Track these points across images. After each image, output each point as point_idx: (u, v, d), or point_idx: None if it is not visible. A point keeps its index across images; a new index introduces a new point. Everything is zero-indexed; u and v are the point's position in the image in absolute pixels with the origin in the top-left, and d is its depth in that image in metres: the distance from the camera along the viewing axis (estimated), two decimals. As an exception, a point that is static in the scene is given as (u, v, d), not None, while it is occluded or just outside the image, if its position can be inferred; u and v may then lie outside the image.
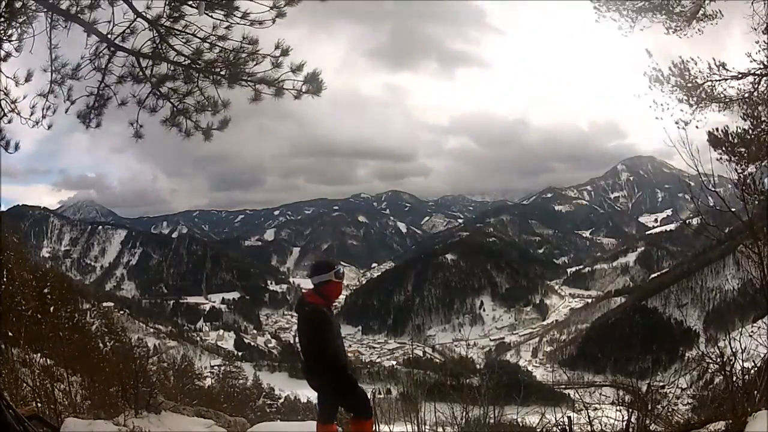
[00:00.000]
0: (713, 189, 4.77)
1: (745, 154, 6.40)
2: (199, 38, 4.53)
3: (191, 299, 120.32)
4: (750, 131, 6.50)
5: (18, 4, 4.45)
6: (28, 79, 4.70)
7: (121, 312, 77.51)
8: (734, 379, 4.07)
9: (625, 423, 4.46)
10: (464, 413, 5.28)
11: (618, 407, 4.76)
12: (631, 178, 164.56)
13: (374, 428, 4.68)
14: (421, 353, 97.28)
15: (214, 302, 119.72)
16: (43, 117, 4.75)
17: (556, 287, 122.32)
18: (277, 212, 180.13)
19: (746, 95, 6.57)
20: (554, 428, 5.06)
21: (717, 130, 6.61)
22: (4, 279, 9.19)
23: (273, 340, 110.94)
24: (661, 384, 5.31)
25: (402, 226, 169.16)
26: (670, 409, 4.86)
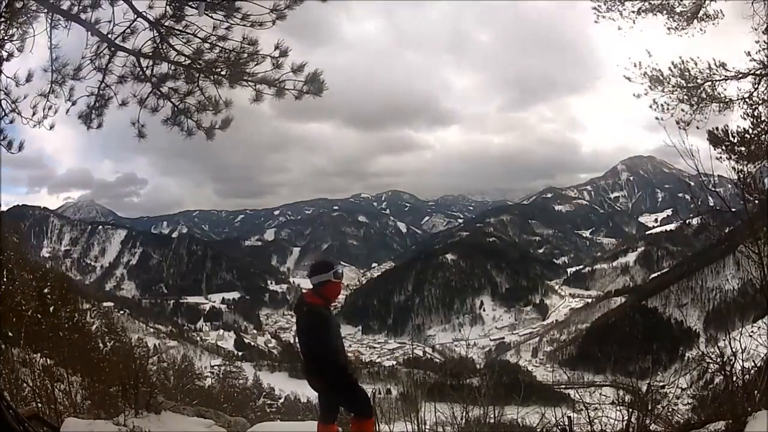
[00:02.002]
0: (713, 189, 4.78)
1: (745, 153, 6.41)
2: (199, 38, 4.55)
3: (191, 299, 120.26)
4: (750, 131, 6.51)
5: (19, 5, 4.45)
6: (28, 80, 4.71)
7: (121, 312, 77.53)
8: (734, 379, 4.08)
9: (625, 423, 4.46)
10: (464, 413, 5.27)
11: (618, 407, 4.76)
12: (631, 178, 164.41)
13: (375, 428, 4.67)
14: (421, 353, 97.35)
15: (214, 302, 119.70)
16: (44, 117, 4.76)
17: (556, 287, 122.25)
18: (277, 212, 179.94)
19: (746, 95, 6.58)
20: (554, 428, 5.06)
21: (717, 129, 6.62)
22: (4, 279, 9.18)
23: (273, 340, 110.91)
24: (661, 384, 5.31)
25: (402, 226, 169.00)
26: (670, 409, 4.86)
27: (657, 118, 6.86)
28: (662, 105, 6.84)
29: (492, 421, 5.20)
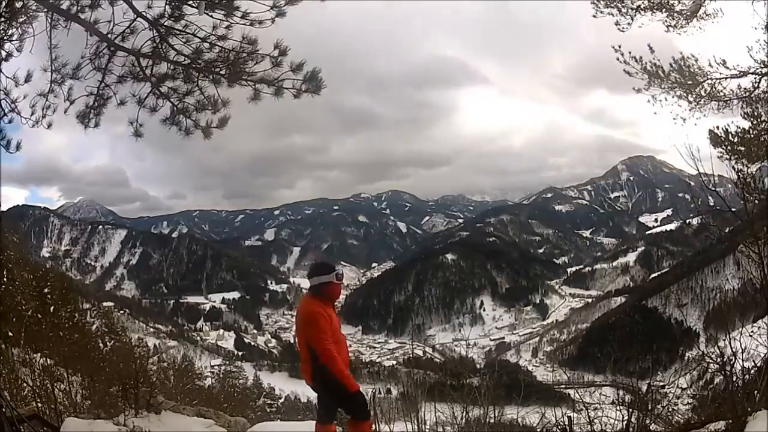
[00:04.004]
0: (713, 189, 4.77)
1: (745, 153, 6.40)
2: (199, 38, 4.54)
3: (191, 299, 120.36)
4: (750, 131, 6.50)
5: (18, 4, 4.44)
6: (28, 80, 4.70)
7: (121, 312, 77.50)
8: (734, 379, 4.07)
9: (625, 423, 4.47)
10: (464, 413, 5.27)
11: (618, 407, 4.76)
12: (631, 178, 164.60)
13: (374, 428, 4.67)
14: (421, 353, 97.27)
15: (214, 302, 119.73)
16: (43, 117, 4.75)
17: (556, 287, 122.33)
18: (277, 212, 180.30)
19: (746, 94, 6.57)
20: (554, 428, 5.06)
21: (717, 128, 6.61)
22: (4, 279, 9.17)
23: (273, 340, 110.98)
24: (661, 384, 5.31)
25: (402, 226, 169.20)
26: (670, 409, 4.87)
27: (655, 113, 6.87)
28: (661, 101, 6.83)
29: (492, 421, 5.20)
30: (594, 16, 6.78)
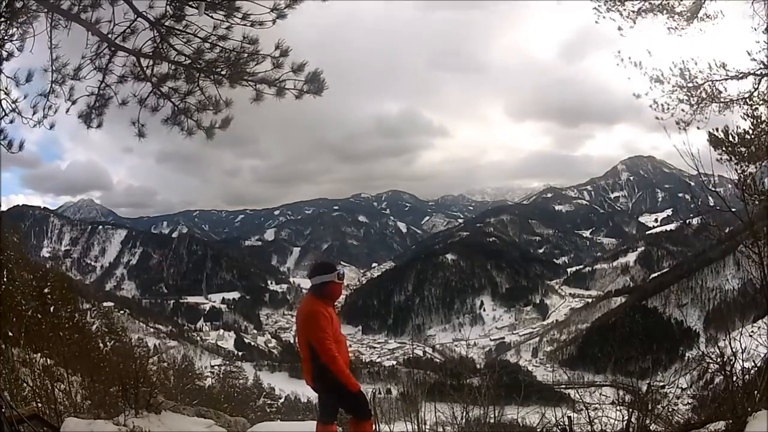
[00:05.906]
0: (713, 189, 4.78)
1: (746, 154, 6.40)
2: (199, 38, 4.54)
3: (191, 299, 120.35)
4: (750, 131, 6.49)
5: (19, 4, 4.44)
6: (29, 80, 4.70)
7: (121, 312, 77.49)
8: (734, 379, 4.07)
9: (625, 423, 4.47)
10: (464, 413, 5.28)
11: (618, 407, 4.76)
12: (631, 178, 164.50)
13: (374, 428, 4.67)
14: (421, 353, 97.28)
15: (214, 302, 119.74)
16: (44, 117, 4.76)
17: (556, 287, 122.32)
18: (277, 212, 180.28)
19: (746, 95, 6.57)
20: (554, 428, 5.06)
21: (717, 129, 6.61)
22: (4, 279, 9.18)
23: (273, 340, 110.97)
24: (661, 384, 5.31)
25: (402, 226, 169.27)
26: (670, 409, 4.87)
27: (657, 118, 6.87)
28: (662, 105, 6.83)
29: (492, 421, 5.20)
30: (596, 22, 6.79)
